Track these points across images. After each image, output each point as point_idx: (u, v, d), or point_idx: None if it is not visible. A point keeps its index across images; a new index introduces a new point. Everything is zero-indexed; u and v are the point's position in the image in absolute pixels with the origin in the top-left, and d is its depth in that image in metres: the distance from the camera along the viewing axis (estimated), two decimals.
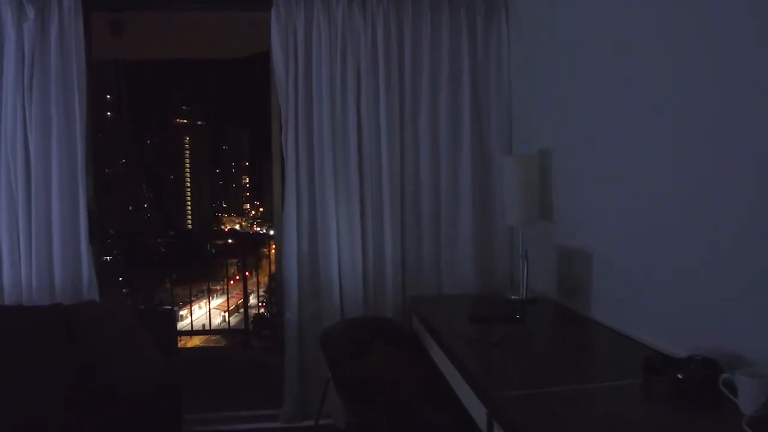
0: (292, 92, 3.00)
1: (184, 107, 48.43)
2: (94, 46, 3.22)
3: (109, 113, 44.27)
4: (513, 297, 2.74)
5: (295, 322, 3.00)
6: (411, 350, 2.51)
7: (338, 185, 3.03)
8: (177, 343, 2.76)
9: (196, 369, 3.84)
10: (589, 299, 2.34)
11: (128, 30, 4.13)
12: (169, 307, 4.09)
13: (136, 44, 4.41)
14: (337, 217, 3.02)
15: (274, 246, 3.54)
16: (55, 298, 2.88)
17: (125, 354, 2.38)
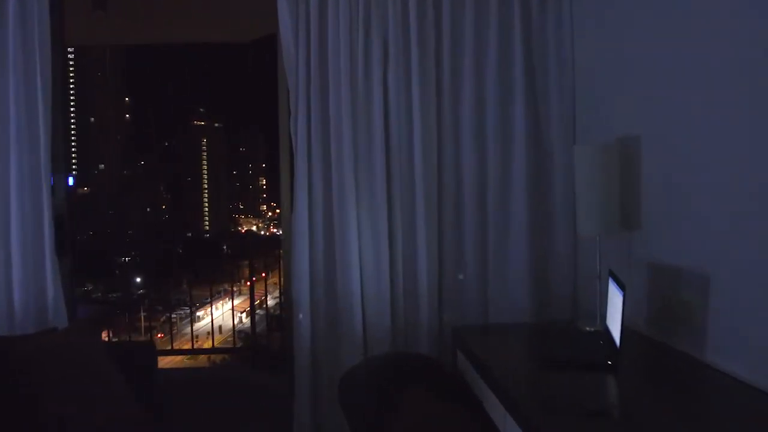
0: (303, 74, 2.42)
1: (201, 109, 48.66)
2: (80, 26, 2.70)
3: (127, 115, 44.54)
4: (587, 329, 2.12)
5: (307, 359, 2.41)
6: (457, 400, 1.92)
7: (360, 185, 2.44)
8: (157, 386, 2.19)
9: (189, 392, 3.28)
10: (704, 338, 1.71)
11: (118, 8, 3.61)
12: (149, 341, 3.51)
13: (127, 25, 3.90)
14: (359, 225, 2.43)
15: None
16: (14, 326, 2.34)
17: (80, 401, 1.82)
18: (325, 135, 2.44)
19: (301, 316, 2.43)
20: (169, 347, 5.01)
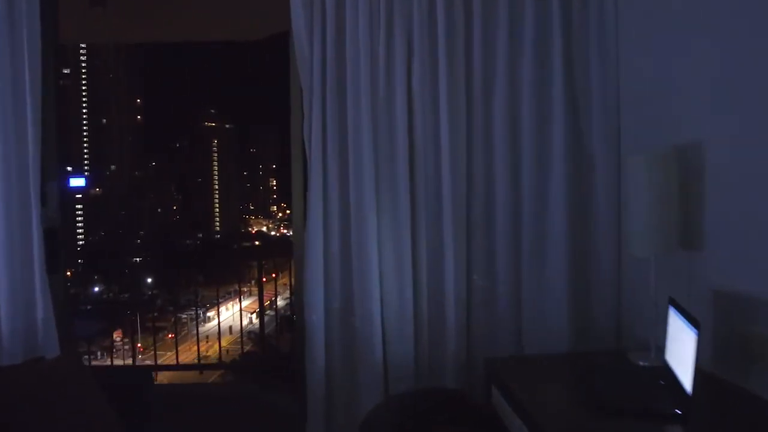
0: (318, 74, 2.19)
1: (212, 110, 48.82)
2: (85, 24, 2.49)
3: (139, 116, 44.79)
4: (641, 363, 1.86)
5: (321, 387, 2.17)
6: None
7: (381, 196, 2.20)
8: (153, 415, 1.96)
9: (191, 413, 3.05)
10: None
11: (123, 6, 3.40)
12: (145, 368, 3.29)
13: (133, 24, 3.69)
14: (379, 239, 2.19)
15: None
16: (0, 350, 2.13)
17: None
18: (343, 140, 2.20)
19: (314, 339, 2.19)
20: (176, 352, 4.75)
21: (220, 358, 3.74)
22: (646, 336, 1.95)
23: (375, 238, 2.17)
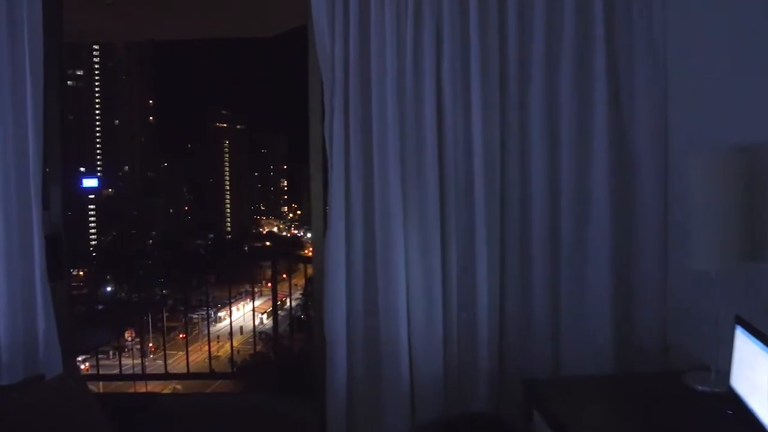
0: (340, 68, 2.01)
1: (223, 111, 49.07)
2: (95, 22, 2.36)
3: (151, 118, 45.05)
4: (700, 388, 1.67)
5: (342, 410, 2.00)
6: None
7: (408, 202, 2.02)
8: None
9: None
10: None
11: (136, 3, 3.30)
12: (150, 397, 3.12)
13: (145, 20, 3.57)
14: (407, 250, 2.01)
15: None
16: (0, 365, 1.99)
17: None
18: (367, 141, 2.03)
19: (335, 356, 2.02)
20: (186, 356, 4.58)
21: (232, 366, 3.58)
22: (701, 357, 1.76)
23: (402, 249, 2.00)
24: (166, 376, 4.30)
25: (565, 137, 2.04)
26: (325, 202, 2.07)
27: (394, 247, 2.00)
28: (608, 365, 2.01)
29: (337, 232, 2.01)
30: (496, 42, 2.02)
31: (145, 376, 3.73)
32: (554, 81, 2.04)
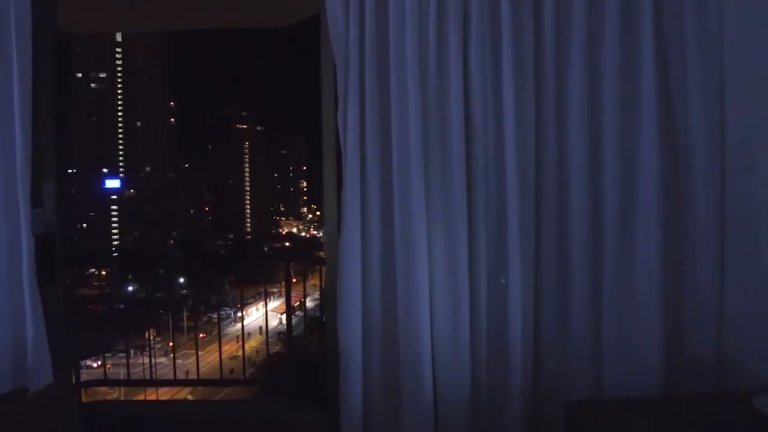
0: (355, 54, 1.81)
1: (243, 113, 49.49)
2: (98, 12, 2.21)
3: (172, 119, 45.56)
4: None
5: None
6: None
7: (431, 203, 1.81)
8: None
9: None
10: None
11: None
12: (154, 402, 2.97)
13: (153, 10, 3.42)
14: (430, 256, 1.80)
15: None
16: None
17: None
18: (385, 135, 1.82)
19: (350, 369, 1.82)
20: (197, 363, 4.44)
21: (244, 372, 3.42)
22: (764, 375, 1.53)
23: (425, 255, 1.79)
24: (176, 382, 4.16)
25: (607, 127, 1.82)
26: (339, 201, 1.87)
27: (416, 251, 1.79)
28: (657, 385, 1.78)
29: (351, 234, 1.81)
30: (531, 25, 1.80)
31: (153, 382, 3.58)
32: (596, 68, 1.81)
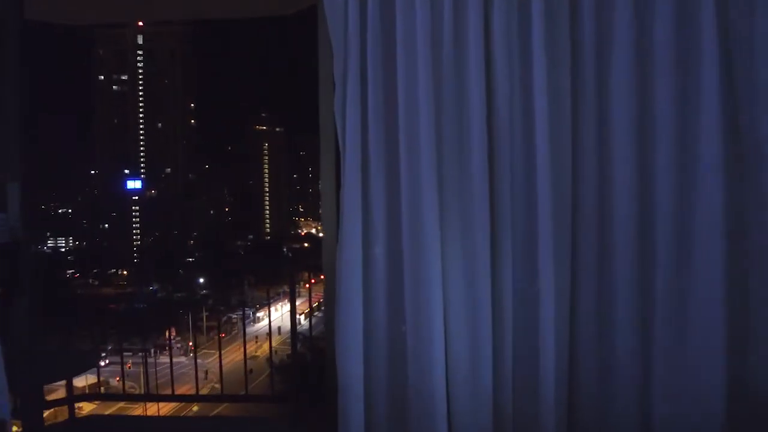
0: (355, 34, 1.54)
1: (263, 114, 49.79)
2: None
3: (192, 120, 45.96)
4: None
5: None
6: None
7: (446, 208, 1.53)
8: None
9: None
10: None
11: None
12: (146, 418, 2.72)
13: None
14: (445, 269, 1.52)
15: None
16: None
17: None
18: (391, 129, 1.55)
19: (349, 405, 1.55)
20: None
21: (246, 387, 3.16)
22: None
23: (438, 267, 1.51)
24: (174, 398, 3.93)
25: (659, 122, 1.52)
26: (337, 205, 1.60)
27: (428, 266, 1.51)
28: (718, 425, 1.48)
29: (350, 245, 1.54)
30: (566, 3, 1.51)
31: (150, 397, 3.35)
32: (645, 50, 1.52)
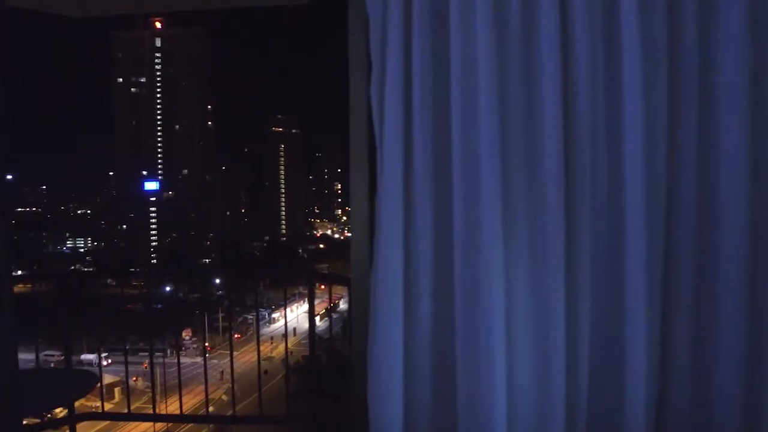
0: (397, 15, 1.24)
1: (279, 116, 49.99)
2: None
3: (210, 122, 46.23)
4: None
5: None
6: None
7: (511, 221, 1.22)
8: None
9: None
10: None
11: None
12: None
13: None
14: (508, 294, 1.21)
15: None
16: None
17: None
18: (440, 117, 1.25)
19: None
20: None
21: (260, 404, 2.87)
22: None
23: (500, 295, 1.20)
24: (182, 418, 3.67)
25: None
26: (371, 220, 1.31)
27: (487, 295, 1.21)
28: None
29: (388, 265, 1.24)
30: None
31: (155, 417, 3.11)
32: (758, 23, 1.20)
